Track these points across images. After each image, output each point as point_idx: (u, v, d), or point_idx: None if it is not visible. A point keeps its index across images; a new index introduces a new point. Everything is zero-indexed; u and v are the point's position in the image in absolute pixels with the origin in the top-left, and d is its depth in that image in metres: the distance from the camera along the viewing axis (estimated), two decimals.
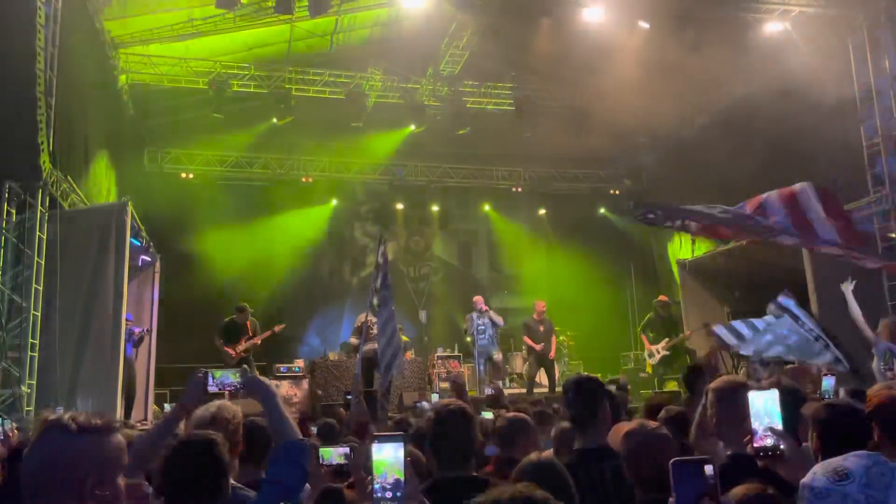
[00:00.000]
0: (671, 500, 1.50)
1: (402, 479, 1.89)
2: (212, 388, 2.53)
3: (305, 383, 11.81)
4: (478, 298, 12.17)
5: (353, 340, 10.74)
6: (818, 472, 1.83)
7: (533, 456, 2.72)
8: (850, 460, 1.83)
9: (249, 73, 12.56)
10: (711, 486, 1.51)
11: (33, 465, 1.64)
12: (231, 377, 2.53)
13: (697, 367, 5.02)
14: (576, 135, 14.08)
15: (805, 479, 1.84)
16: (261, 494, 2.28)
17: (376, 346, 10.27)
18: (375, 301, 7.75)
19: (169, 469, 2.33)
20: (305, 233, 15.38)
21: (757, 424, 2.15)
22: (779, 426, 2.12)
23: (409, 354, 11.90)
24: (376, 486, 1.90)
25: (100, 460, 1.65)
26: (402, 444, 1.92)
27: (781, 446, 2.10)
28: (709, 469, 1.52)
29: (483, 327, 11.84)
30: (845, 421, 2.37)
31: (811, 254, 9.94)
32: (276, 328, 11.46)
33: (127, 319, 9.96)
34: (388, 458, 1.91)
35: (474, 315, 11.90)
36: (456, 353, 12.82)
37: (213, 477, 2.32)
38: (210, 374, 2.51)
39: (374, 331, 10.29)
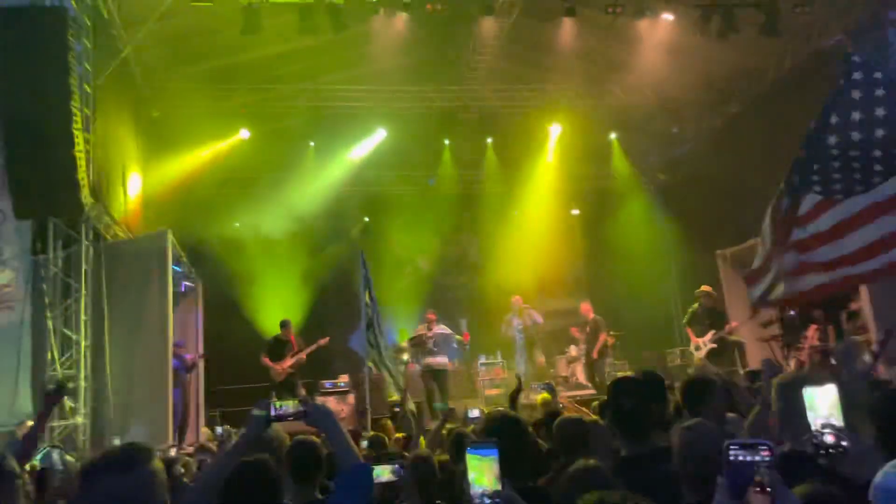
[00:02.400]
0: (719, 479, 1.45)
1: (500, 487, 1.86)
2: (274, 417, 2.54)
3: (351, 398, 11.89)
4: (516, 298, 12.22)
5: (406, 355, 11.02)
6: (890, 472, 1.76)
7: (581, 462, 2.67)
8: None
9: (278, 92, 12.69)
10: (766, 472, 1.43)
11: None
12: (293, 407, 2.54)
13: (702, 380, 3.85)
14: (608, 132, 14.00)
15: (877, 480, 1.77)
16: None
17: (435, 359, 10.69)
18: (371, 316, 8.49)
19: (227, 493, 2.37)
20: (342, 247, 15.48)
21: (817, 420, 2.08)
22: (840, 422, 2.05)
23: (452, 364, 11.90)
24: (474, 494, 1.86)
25: (155, 487, 1.69)
26: (495, 450, 1.89)
27: (844, 443, 2.03)
28: (765, 453, 1.44)
29: (522, 326, 11.89)
30: None
31: None
32: (322, 342, 11.53)
33: (179, 346, 10.17)
34: (483, 465, 1.88)
35: (513, 316, 11.96)
36: (498, 360, 12.76)
37: (269, 498, 2.36)
38: (272, 405, 2.53)
39: (430, 345, 10.64)
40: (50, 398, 4.60)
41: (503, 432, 2.81)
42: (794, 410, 2.75)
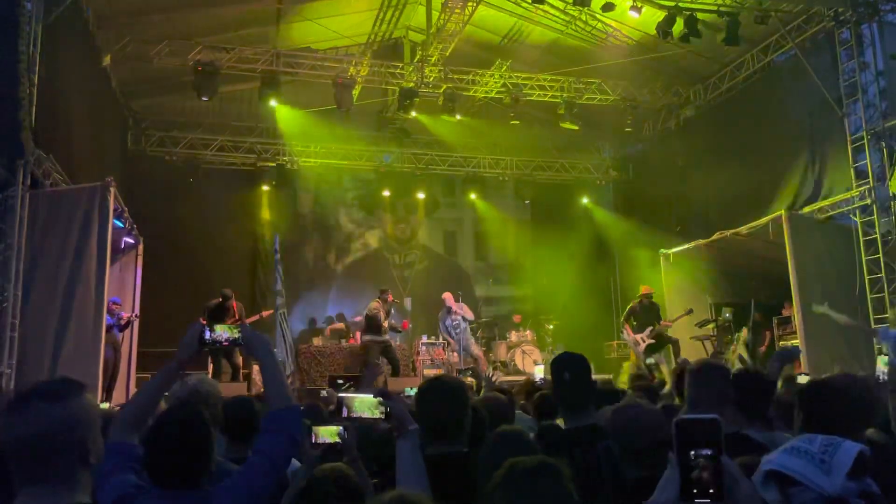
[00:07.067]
0: (671, 454, 1.47)
1: None
2: (208, 341, 2.39)
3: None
4: (447, 295, 12.36)
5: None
6: (775, 455, 1.82)
7: (505, 427, 2.72)
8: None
9: (236, 54, 12.35)
10: (715, 447, 1.45)
11: (22, 433, 1.56)
12: (229, 332, 2.39)
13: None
14: (563, 124, 14.07)
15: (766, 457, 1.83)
16: (245, 465, 2.14)
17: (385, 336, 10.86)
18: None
19: (153, 441, 2.20)
20: (290, 218, 15.29)
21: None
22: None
23: (394, 341, 11.94)
24: None
25: (88, 419, 1.62)
26: None
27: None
28: (714, 430, 1.46)
29: (457, 323, 12.07)
30: (832, 401, 2.36)
31: (794, 247, 10.02)
32: (264, 313, 11.41)
33: (115, 303, 9.89)
34: None
35: (445, 313, 12.21)
36: (440, 341, 12.82)
37: (199, 449, 2.22)
38: (207, 328, 2.37)
39: (388, 324, 10.84)
40: None
41: (435, 395, 2.81)
42: (708, 398, 2.87)
